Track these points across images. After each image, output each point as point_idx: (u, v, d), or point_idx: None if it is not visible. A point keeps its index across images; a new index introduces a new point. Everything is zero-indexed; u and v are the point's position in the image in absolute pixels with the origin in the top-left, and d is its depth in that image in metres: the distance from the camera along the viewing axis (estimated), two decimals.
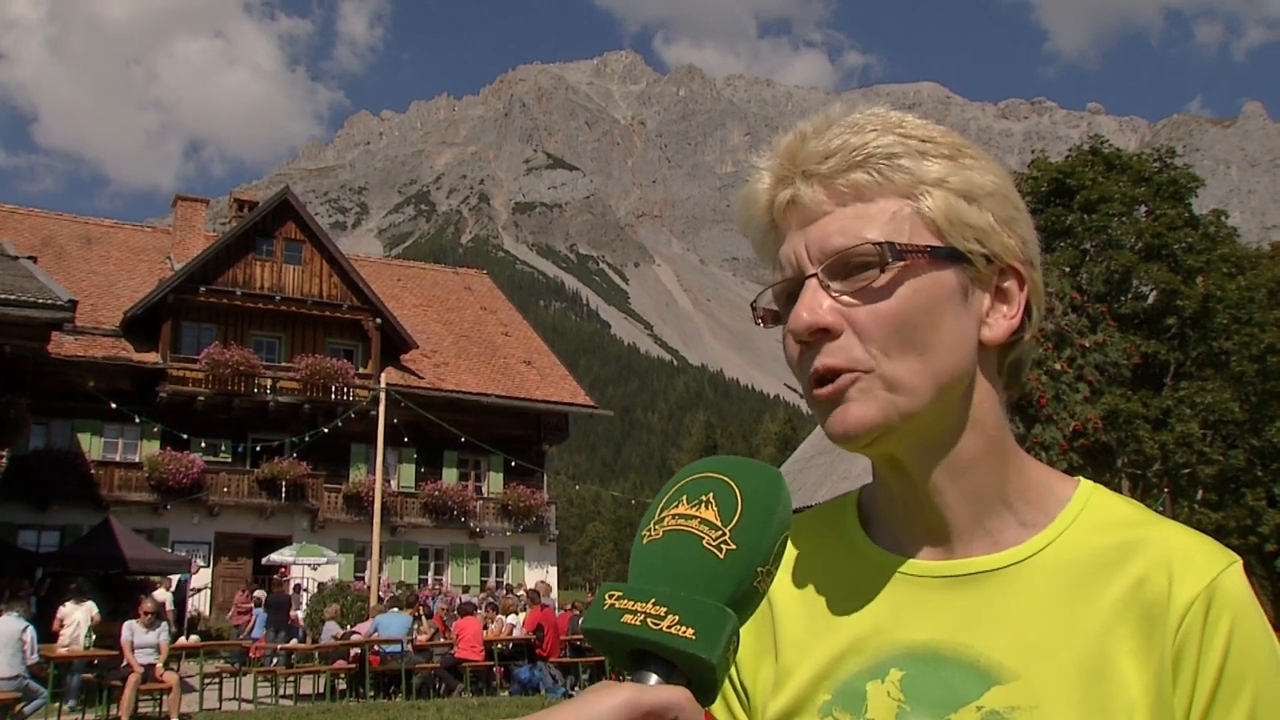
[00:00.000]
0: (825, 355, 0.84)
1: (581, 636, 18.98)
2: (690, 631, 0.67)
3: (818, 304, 0.84)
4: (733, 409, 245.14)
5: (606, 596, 0.71)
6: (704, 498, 0.74)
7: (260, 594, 26.26)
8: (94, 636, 17.73)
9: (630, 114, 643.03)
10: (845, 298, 0.84)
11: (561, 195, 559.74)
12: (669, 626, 0.68)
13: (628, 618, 0.69)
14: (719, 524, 0.72)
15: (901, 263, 0.83)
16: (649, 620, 0.68)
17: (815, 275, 0.85)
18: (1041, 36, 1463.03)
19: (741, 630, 0.71)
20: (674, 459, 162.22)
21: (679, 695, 0.67)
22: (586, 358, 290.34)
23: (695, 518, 0.73)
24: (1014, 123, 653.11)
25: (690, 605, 0.68)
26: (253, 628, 21.93)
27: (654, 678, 0.68)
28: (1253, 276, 22.91)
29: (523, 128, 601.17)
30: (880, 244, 0.83)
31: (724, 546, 0.71)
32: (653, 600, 0.69)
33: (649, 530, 0.75)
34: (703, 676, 0.68)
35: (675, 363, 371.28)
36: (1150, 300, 23.35)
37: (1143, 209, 23.53)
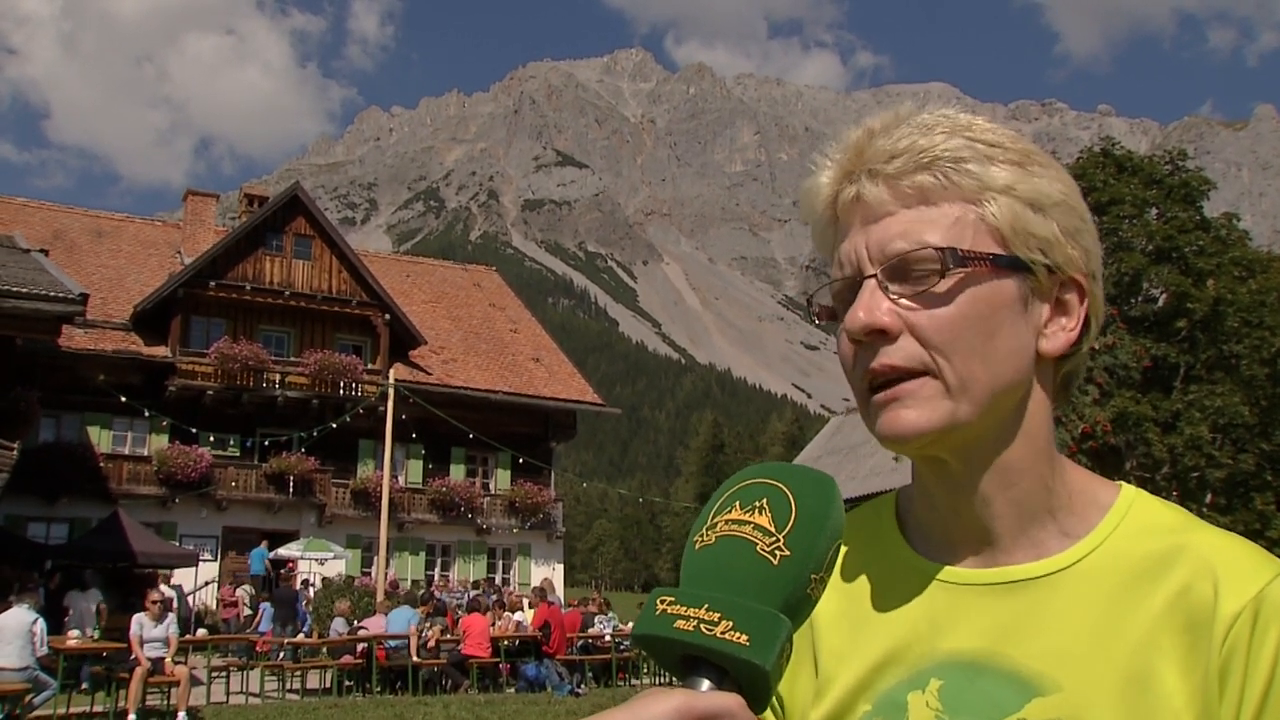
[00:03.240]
0: (884, 355, 0.83)
1: (588, 634, 19.07)
2: (744, 638, 0.67)
3: (876, 305, 0.83)
4: (740, 408, 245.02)
5: (658, 602, 0.71)
6: (757, 504, 0.73)
7: (246, 589, 26.38)
8: (101, 627, 17.83)
9: (640, 112, 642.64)
10: (904, 301, 0.83)
11: (570, 193, 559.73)
12: (722, 632, 0.67)
13: (680, 623, 0.69)
14: (773, 530, 0.71)
15: (964, 269, 0.82)
16: (702, 626, 0.68)
17: (875, 276, 0.84)
18: (1052, 39, 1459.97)
19: None
20: (681, 458, 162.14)
21: (731, 702, 0.66)
22: (594, 355, 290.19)
23: (749, 523, 0.72)
24: (1024, 124, 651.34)
25: (744, 611, 0.68)
26: (260, 622, 22.01)
27: (706, 684, 0.67)
28: (1264, 280, 22.81)
29: (532, 125, 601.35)
30: (943, 249, 0.82)
31: (778, 553, 0.70)
32: (705, 606, 0.69)
33: (701, 535, 0.74)
34: (755, 683, 0.67)
35: (683, 361, 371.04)
36: (1160, 303, 23.26)
37: (1154, 211, 23.44)
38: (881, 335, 0.83)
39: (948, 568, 0.89)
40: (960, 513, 0.88)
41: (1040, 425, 0.88)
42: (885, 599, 0.91)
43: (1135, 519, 0.87)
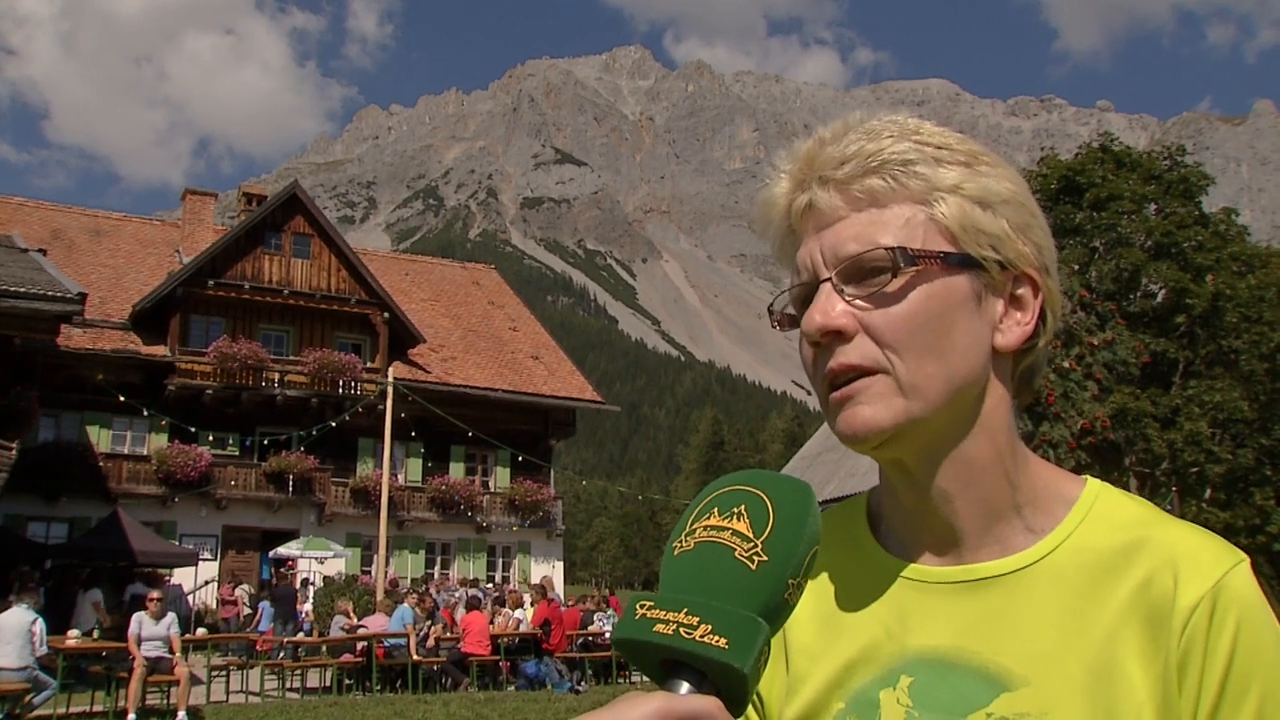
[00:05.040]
0: (840, 354, 0.84)
1: (588, 632, 19.05)
2: (723, 641, 0.67)
3: (831, 307, 0.85)
4: (740, 405, 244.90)
5: (638, 606, 0.72)
6: (736, 510, 0.74)
7: (245, 588, 26.41)
8: (100, 625, 17.84)
9: (639, 110, 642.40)
10: (858, 302, 0.85)
11: (569, 190, 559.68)
12: (701, 636, 0.68)
13: (660, 627, 0.69)
14: (751, 536, 0.72)
15: (914, 268, 0.84)
16: (681, 629, 0.69)
17: (830, 279, 0.85)
18: (1051, 35, 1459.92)
19: None
20: (680, 455, 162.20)
21: (710, 705, 0.67)
22: (594, 353, 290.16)
23: (727, 529, 0.73)
24: (1023, 120, 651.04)
25: (723, 615, 0.69)
26: (259, 621, 22.01)
27: (685, 687, 0.68)
28: (1262, 275, 22.82)
29: (531, 123, 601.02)
30: (893, 249, 0.84)
31: (756, 558, 0.71)
32: (685, 610, 0.69)
33: (680, 542, 0.75)
34: (734, 686, 0.68)
35: (682, 359, 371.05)
36: (1159, 298, 23.26)
37: (1152, 207, 23.44)
38: (838, 336, 0.85)
39: (916, 566, 0.90)
40: (924, 511, 0.89)
41: (1000, 421, 0.88)
42: (856, 598, 0.92)
43: (1100, 513, 0.88)
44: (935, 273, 0.84)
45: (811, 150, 0.89)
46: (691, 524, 0.75)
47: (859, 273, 0.85)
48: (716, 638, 0.68)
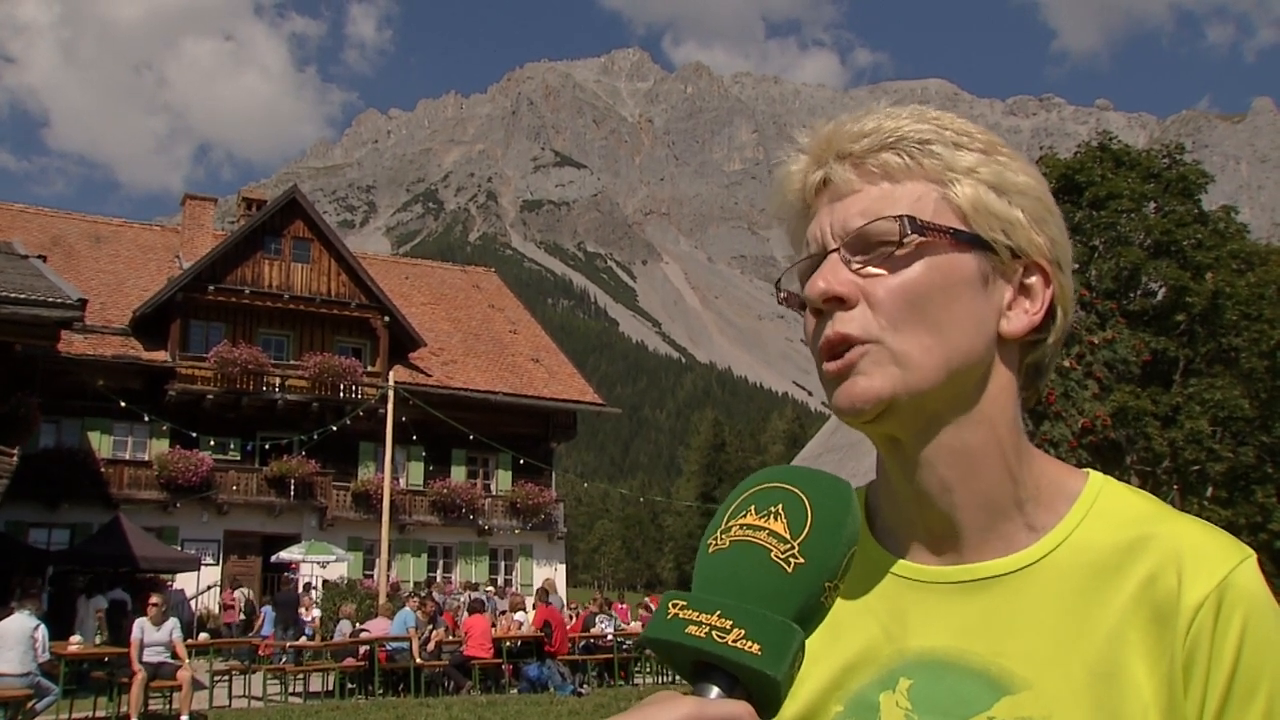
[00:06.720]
0: (838, 323, 0.83)
1: (590, 634, 19.04)
2: (756, 647, 0.66)
3: (835, 274, 0.84)
4: (740, 407, 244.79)
5: (670, 606, 0.70)
6: (773, 509, 0.72)
7: (243, 591, 26.37)
8: (101, 633, 17.85)
9: (638, 112, 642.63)
10: (866, 270, 0.84)
11: (569, 193, 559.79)
12: (734, 640, 0.66)
13: (692, 629, 0.68)
14: (788, 537, 0.70)
15: (920, 238, 0.83)
16: (714, 633, 0.67)
17: (837, 250, 0.85)
18: (1049, 35, 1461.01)
19: None
20: (682, 457, 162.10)
21: (740, 710, 0.66)
22: (594, 356, 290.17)
23: (763, 529, 0.71)
24: (1022, 119, 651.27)
25: (756, 619, 0.67)
26: (261, 626, 22.00)
27: (715, 690, 0.67)
28: (1262, 273, 22.82)
29: (530, 126, 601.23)
30: (901, 217, 0.83)
31: (792, 560, 0.70)
32: (718, 612, 0.68)
33: (715, 539, 0.73)
34: (765, 692, 0.67)
35: (683, 360, 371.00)
36: (1159, 297, 23.27)
37: (1152, 205, 23.45)
38: (840, 304, 0.83)
39: (916, 565, 0.89)
40: (923, 504, 0.87)
41: (1002, 412, 0.87)
42: (855, 598, 0.90)
43: (1102, 509, 0.86)
44: (942, 246, 0.84)
45: (831, 130, 0.89)
46: (727, 521, 0.73)
47: (866, 244, 0.84)
48: (749, 643, 0.66)
